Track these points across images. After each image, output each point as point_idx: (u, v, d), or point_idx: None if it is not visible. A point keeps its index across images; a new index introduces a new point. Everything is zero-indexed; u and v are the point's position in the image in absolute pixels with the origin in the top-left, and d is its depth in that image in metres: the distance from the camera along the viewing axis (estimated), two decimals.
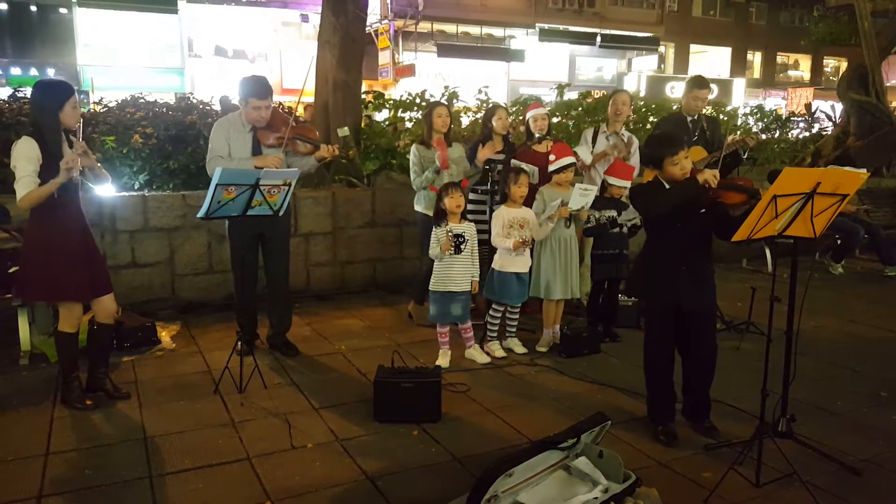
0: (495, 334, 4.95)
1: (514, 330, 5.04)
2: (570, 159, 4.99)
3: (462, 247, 4.53)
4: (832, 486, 3.11)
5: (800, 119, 11.84)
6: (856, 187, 3.18)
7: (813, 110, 12.79)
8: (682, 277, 3.51)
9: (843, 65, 29.84)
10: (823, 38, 18.76)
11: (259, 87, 4.45)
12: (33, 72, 19.09)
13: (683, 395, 3.74)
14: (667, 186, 3.49)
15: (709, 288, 3.62)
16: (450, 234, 4.46)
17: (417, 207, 5.53)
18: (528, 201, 4.98)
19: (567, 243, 4.97)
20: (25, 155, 3.52)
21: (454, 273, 4.57)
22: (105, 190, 4.76)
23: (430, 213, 5.37)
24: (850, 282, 7.53)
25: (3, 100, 6.23)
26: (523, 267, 4.84)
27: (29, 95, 4.21)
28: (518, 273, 4.82)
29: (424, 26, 24.04)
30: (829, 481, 3.15)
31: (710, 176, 3.33)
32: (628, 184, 5.04)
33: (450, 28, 25.76)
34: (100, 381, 4.03)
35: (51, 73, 18.75)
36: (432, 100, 7.63)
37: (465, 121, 8.00)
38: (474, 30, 26.38)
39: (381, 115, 8.20)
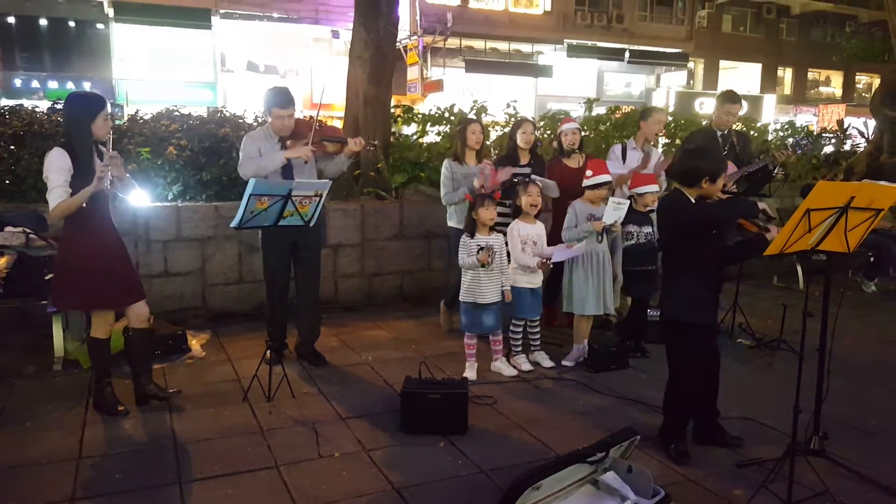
0: (520, 348, 4.93)
1: (538, 343, 5.02)
2: (606, 177, 4.95)
3: (491, 259, 4.53)
4: None
5: (831, 136, 11.69)
6: (891, 202, 3.13)
7: (845, 127, 12.62)
8: (715, 293, 3.57)
9: (876, 81, 29.44)
10: (856, 54, 18.58)
11: (280, 97, 4.56)
12: (70, 85, 19.55)
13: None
14: (693, 201, 3.48)
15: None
16: (481, 248, 4.46)
17: (450, 223, 5.60)
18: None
19: (599, 258, 4.94)
20: (57, 166, 3.60)
21: (482, 285, 4.58)
22: (139, 200, 4.85)
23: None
24: (884, 300, 7.38)
25: (42, 112, 6.41)
26: (536, 282, 4.86)
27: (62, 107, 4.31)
28: (532, 288, 4.83)
29: (453, 42, 24.17)
30: (862, 502, 3.09)
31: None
32: (657, 188, 5.07)
33: (478, 44, 25.90)
34: (145, 390, 4.05)
35: (87, 86, 19.16)
36: (461, 114, 7.68)
37: (494, 135, 8.04)
38: (502, 45, 26.48)
39: (410, 129, 8.30)
